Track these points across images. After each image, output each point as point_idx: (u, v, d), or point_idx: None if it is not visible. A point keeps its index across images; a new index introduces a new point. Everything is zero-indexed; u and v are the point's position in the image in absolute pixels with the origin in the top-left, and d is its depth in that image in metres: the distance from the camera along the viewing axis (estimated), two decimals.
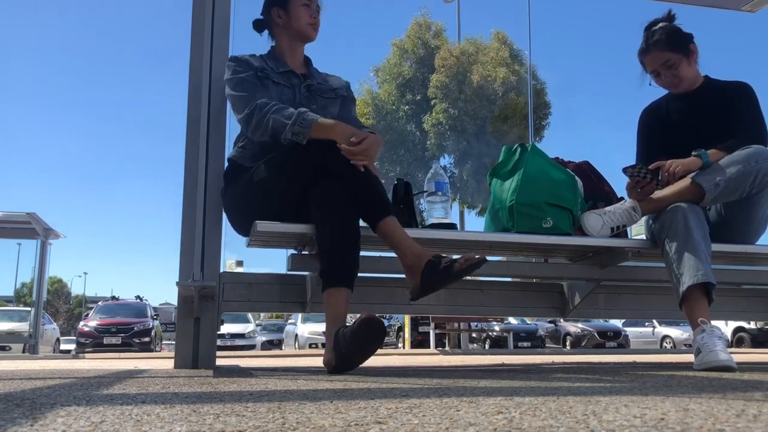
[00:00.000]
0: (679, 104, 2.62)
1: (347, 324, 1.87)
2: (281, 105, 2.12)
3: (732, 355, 1.99)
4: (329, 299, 1.95)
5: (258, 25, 2.47)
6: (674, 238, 2.18)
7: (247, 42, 2.51)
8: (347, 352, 1.82)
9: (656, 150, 2.64)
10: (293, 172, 2.06)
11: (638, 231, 2.74)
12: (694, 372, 1.93)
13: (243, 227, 2.27)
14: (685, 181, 2.29)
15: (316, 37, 2.39)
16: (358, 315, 1.81)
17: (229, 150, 2.40)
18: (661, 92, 2.71)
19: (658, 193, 2.35)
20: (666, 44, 2.49)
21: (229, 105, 2.42)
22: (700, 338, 2.02)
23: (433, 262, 1.90)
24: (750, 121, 2.47)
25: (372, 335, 1.81)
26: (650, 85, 2.59)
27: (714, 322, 2.08)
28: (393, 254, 2.46)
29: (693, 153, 2.33)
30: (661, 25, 2.53)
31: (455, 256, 1.92)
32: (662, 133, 2.64)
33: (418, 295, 1.97)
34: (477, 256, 1.91)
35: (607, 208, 2.41)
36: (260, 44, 2.44)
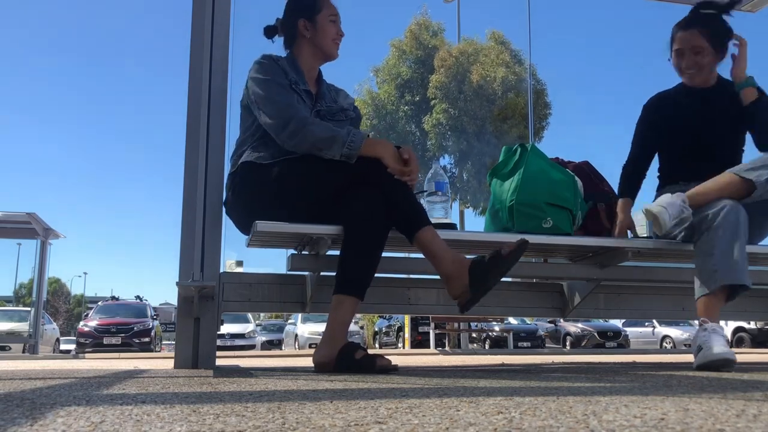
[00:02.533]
0: (690, 100, 2.54)
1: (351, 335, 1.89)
2: (321, 122, 2.12)
3: None
4: (338, 305, 1.95)
5: (269, 32, 2.41)
6: (721, 233, 2.08)
7: (248, 42, 2.51)
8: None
9: (653, 144, 2.63)
10: (331, 179, 2.06)
11: (638, 231, 2.74)
12: (694, 372, 1.93)
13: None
14: (729, 176, 2.20)
15: (337, 56, 2.37)
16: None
17: (229, 150, 2.39)
18: (667, 84, 2.67)
19: (702, 187, 2.23)
20: (708, 31, 2.42)
21: (230, 107, 2.42)
22: (704, 335, 2.01)
23: (477, 260, 1.91)
24: None
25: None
26: (668, 60, 2.52)
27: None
28: (393, 254, 2.48)
29: (747, 77, 2.30)
30: (712, 11, 2.44)
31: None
32: (668, 125, 2.57)
33: (469, 298, 1.94)
34: (517, 240, 1.93)
35: (663, 202, 2.20)
36: (260, 44, 2.44)
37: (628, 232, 2.56)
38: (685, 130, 2.54)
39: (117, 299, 19.47)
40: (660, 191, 2.62)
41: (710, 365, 1.94)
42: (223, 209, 2.38)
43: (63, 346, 19.30)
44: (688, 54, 2.45)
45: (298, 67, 2.31)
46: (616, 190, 2.73)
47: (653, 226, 2.24)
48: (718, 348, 1.93)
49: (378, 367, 1.86)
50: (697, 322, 2.11)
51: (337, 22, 2.35)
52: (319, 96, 2.34)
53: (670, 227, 2.17)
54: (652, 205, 2.22)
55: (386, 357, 1.92)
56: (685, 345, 16.67)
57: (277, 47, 2.40)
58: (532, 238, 2.35)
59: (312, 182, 2.09)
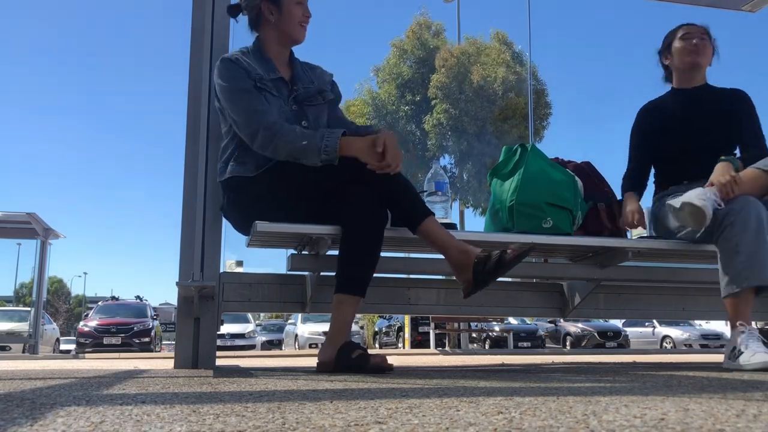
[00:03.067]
0: (679, 101, 2.61)
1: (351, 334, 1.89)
2: (291, 127, 2.05)
3: None
4: (340, 304, 1.95)
5: (233, 11, 2.34)
6: (744, 229, 2.07)
7: (248, 41, 2.50)
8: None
9: (648, 151, 2.65)
10: (325, 180, 2.03)
11: (638, 231, 2.74)
12: (694, 372, 1.93)
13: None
14: (752, 172, 2.22)
15: (304, 39, 2.29)
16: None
17: None
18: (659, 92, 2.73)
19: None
20: (707, 30, 2.61)
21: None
22: (742, 338, 2.00)
23: (482, 256, 1.92)
24: (761, 131, 2.53)
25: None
26: (659, 54, 2.68)
27: (714, 323, 2.08)
28: (393, 254, 2.48)
29: (722, 158, 2.28)
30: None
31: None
32: (660, 131, 2.61)
33: (471, 291, 1.98)
34: (525, 243, 1.95)
35: (701, 196, 2.16)
36: None
37: (628, 230, 2.55)
38: (678, 132, 2.57)
39: (117, 299, 19.46)
40: (658, 194, 2.63)
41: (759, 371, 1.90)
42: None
43: (63, 346, 19.29)
44: (696, 37, 2.56)
45: (265, 54, 2.24)
46: (616, 192, 2.74)
47: (691, 221, 2.18)
48: (761, 356, 1.91)
49: (371, 364, 1.86)
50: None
51: (304, 3, 2.27)
52: (294, 79, 2.26)
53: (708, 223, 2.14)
54: (692, 198, 2.15)
55: (383, 356, 1.92)
56: (685, 345, 16.64)
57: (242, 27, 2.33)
58: (532, 238, 2.35)
59: (306, 186, 2.07)
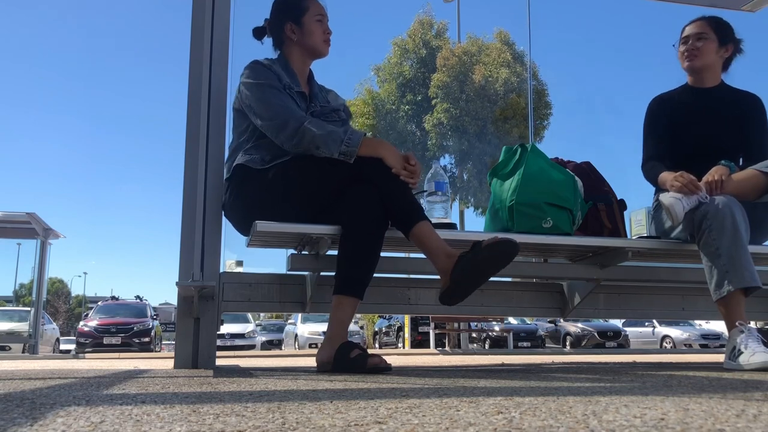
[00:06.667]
0: (692, 99, 2.58)
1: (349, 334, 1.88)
2: (318, 120, 2.13)
3: None
4: (339, 305, 1.96)
5: (259, 33, 2.42)
6: (721, 232, 2.09)
7: (247, 44, 2.50)
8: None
9: (666, 139, 2.57)
10: (327, 178, 2.06)
11: (638, 231, 2.74)
12: (694, 372, 1.93)
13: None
14: (751, 172, 2.23)
15: (328, 53, 2.38)
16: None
17: (226, 153, 2.39)
18: (673, 85, 2.69)
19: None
20: (713, 22, 2.55)
21: (230, 107, 2.42)
22: (741, 338, 2.01)
23: (462, 255, 1.88)
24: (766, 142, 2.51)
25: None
26: (673, 46, 2.63)
27: (714, 323, 2.09)
28: (393, 254, 2.48)
29: (722, 162, 2.28)
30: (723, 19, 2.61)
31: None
32: (669, 127, 2.57)
33: (447, 292, 1.91)
34: (500, 237, 1.89)
35: (676, 193, 2.23)
36: (260, 47, 2.43)
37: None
38: (687, 130, 2.54)
39: (117, 299, 19.46)
40: (659, 193, 2.61)
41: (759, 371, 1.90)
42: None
43: (63, 346, 19.28)
44: (692, 40, 2.54)
45: (290, 68, 2.31)
46: (616, 192, 2.73)
47: (667, 217, 2.26)
48: (760, 356, 1.91)
49: (370, 365, 1.86)
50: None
51: (324, 21, 2.35)
52: (312, 96, 2.35)
53: (681, 217, 2.19)
54: (666, 195, 2.24)
55: (381, 356, 1.92)
56: (685, 345, 16.65)
57: (268, 47, 2.40)
58: (532, 238, 2.35)
59: (309, 184, 2.10)
